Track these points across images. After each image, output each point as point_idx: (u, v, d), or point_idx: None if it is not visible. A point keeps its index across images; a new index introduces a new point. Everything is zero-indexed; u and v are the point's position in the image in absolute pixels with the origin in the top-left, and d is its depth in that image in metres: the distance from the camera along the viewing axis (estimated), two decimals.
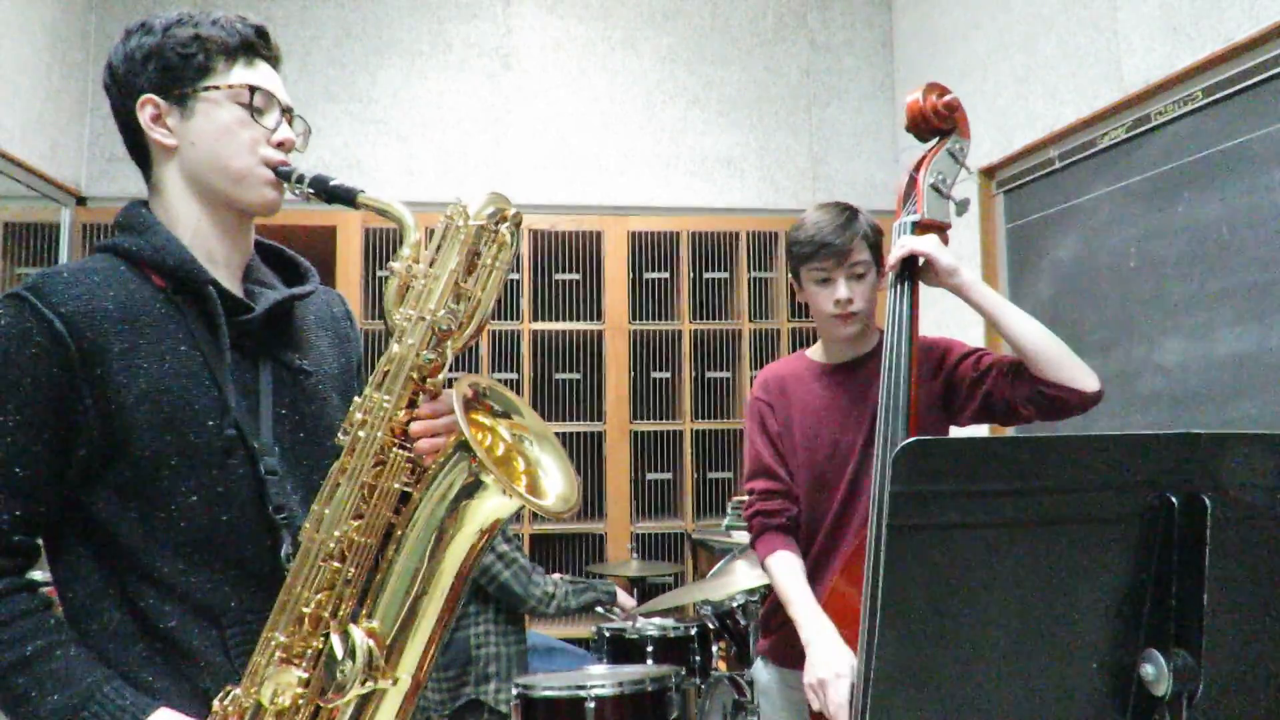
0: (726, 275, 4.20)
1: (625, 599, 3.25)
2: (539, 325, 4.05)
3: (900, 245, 1.68)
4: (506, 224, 1.18)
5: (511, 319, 4.04)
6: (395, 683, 1.12)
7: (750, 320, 4.13)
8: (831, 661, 1.59)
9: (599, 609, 3.17)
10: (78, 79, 3.79)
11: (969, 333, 3.61)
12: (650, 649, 2.91)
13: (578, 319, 4.08)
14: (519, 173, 4.09)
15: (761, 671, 1.94)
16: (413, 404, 1.15)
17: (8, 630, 1.06)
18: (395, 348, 1.14)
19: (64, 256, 3.73)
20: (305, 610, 1.11)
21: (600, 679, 2.53)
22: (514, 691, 2.50)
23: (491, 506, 1.12)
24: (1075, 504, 0.93)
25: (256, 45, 1.23)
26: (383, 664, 1.11)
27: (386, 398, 1.13)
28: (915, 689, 0.91)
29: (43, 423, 1.08)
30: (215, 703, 1.11)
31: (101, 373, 1.09)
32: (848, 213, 1.80)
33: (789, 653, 1.80)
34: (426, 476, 1.15)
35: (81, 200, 3.82)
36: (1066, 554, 0.93)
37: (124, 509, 1.11)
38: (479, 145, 4.07)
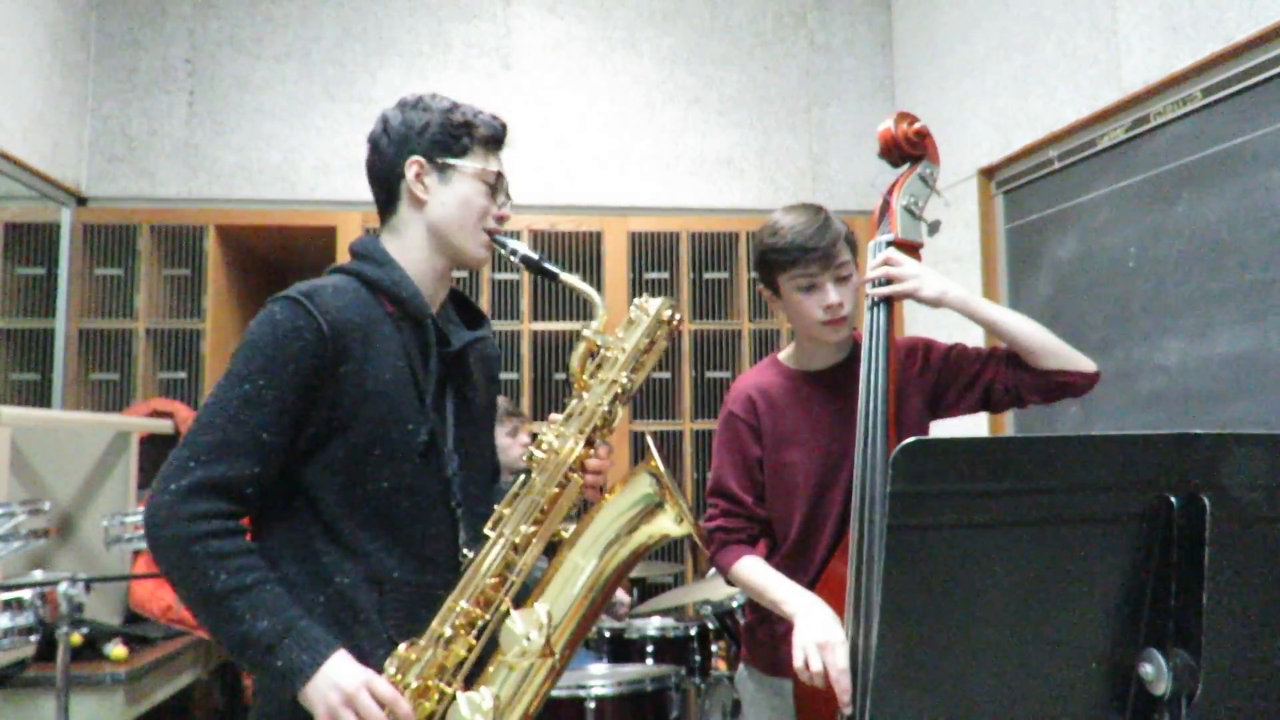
0: (726, 275, 4.21)
1: (620, 594, 3.26)
2: (539, 325, 4.05)
3: (881, 269, 1.71)
4: (675, 321, 1.53)
5: (511, 319, 4.04)
6: (553, 658, 1.37)
7: (750, 320, 4.13)
8: (829, 626, 1.56)
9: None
10: (78, 79, 3.79)
11: (969, 332, 3.62)
12: (650, 649, 2.92)
13: (578, 319, 4.08)
14: (519, 173, 4.06)
15: (746, 680, 1.92)
16: (589, 443, 1.46)
17: (236, 560, 1.29)
18: (587, 399, 1.47)
19: (64, 256, 3.73)
20: (482, 591, 1.37)
21: (600, 679, 2.53)
22: None
23: (660, 526, 1.44)
24: (1075, 504, 0.93)
25: (502, 140, 1.55)
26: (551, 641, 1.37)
27: (578, 436, 1.44)
28: (915, 689, 0.91)
29: (292, 401, 1.33)
30: (400, 649, 1.34)
31: (343, 370, 1.36)
32: (822, 214, 1.76)
33: (772, 661, 1.79)
34: (609, 494, 1.46)
35: (82, 200, 3.82)
36: (1066, 554, 0.93)
37: (330, 481, 1.37)
38: None
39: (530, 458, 1.44)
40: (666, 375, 4.13)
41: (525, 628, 1.33)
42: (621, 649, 2.98)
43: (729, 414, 1.86)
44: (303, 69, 3.98)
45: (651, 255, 4.15)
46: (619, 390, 1.46)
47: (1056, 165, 3.18)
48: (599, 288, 4.04)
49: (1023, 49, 3.35)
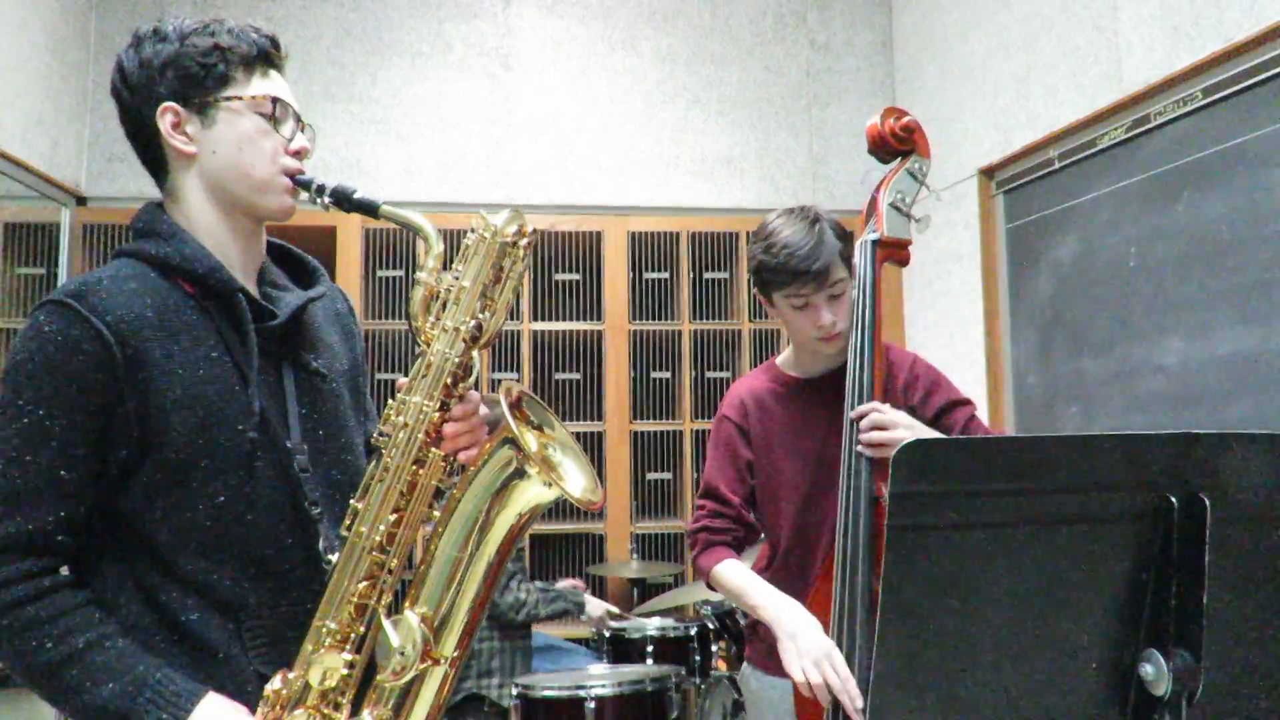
0: (726, 275, 4.20)
1: (594, 608, 3.24)
2: (539, 325, 4.05)
3: (871, 441, 1.64)
4: (525, 239, 1.25)
5: (511, 319, 4.03)
6: (442, 663, 1.21)
7: (750, 320, 4.13)
8: (817, 635, 1.57)
9: (573, 614, 3.18)
10: (78, 79, 3.79)
11: (969, 331, 3.62)
12: (650, 649, 2.92)
13: (578, 319, 4.08)
14: (519, 173, 4.09)
15: (750, 679, 1.93)
16: (444, 406, 1.22)
17: (57, 625, 1.09)
18: (430, 355, 1.21)
19: (64, 256, 3.73)
20: (352, 600, 1.18)
21: (600, 679, 2.53)
22: (514, 691, 2.51)
23: (530, 495, 1.23)
24: (1075, 504, 0.93)
25: (272, 55, 1.26)
26: (434, 647, 1.20)
27: (427, 402, 1.20)
28: (915, 689, 0.91)
29: (88, 428, 1.11)
30: (267, 687, 1.16)
31: (143, 378, 1.13)
32: (817, 227, 1.72)
33: (774, 660, 1.79)
34: (469, 472, 1.23)
35: (81, 200, 3.81)
36: (1066, 554, 0.93)
37: (151, 507, 1.15)
38: (479, 145, 4.07)
39: (377, 436, 1.23)
40: (666, 375, 4.13)
41: (400, 640, 1.17)
42: (621, 649, 2.98)
43: (721, 417, 1.88)
44: (302, 69, 3.98)
45: (651, 255, 4.15)
46: (467, 335, 1.21)
47: (1056, 165, 3.17)
48: (598, 288, 4.04)
49: (1023, 49, 3.35)
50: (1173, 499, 0.92)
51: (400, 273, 3.97)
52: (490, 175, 4.06)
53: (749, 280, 4.05)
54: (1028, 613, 0.93)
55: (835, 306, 1.73)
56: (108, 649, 1.10)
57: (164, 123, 1.21)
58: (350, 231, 3.86)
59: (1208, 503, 0.91)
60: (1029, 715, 0.94)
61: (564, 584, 3.26)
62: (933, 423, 1.76)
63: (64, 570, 1.16)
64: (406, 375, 1.23)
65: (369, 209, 1.21)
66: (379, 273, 3.95)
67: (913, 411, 1.75)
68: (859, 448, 1.65)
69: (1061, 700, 0.94)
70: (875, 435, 1.62)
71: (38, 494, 1.10)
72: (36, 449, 1.09)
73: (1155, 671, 0.92)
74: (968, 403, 1.80)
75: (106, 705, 1.08)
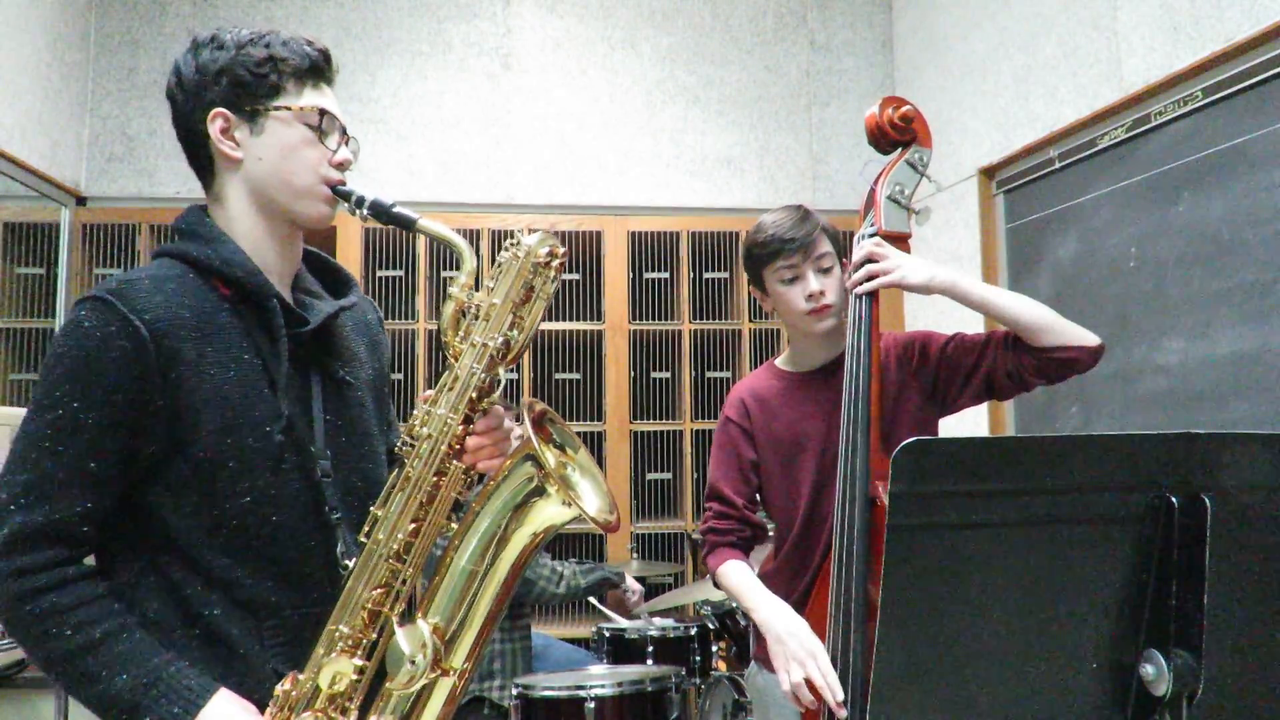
0: (726, 275, 4.20)
1: (633, 581, 3.30)
2: (539, 325, 4.04)
3: (865, 266, 1.69)
4: (556, 260, 1.31)
5: None
6: (451, 674, 1.22)
7: (750, 320, 4.13)
8: (804, 637, 1.59)
9: (602, 599, 3.19)
10: (78, 79, 3.79)
11: (969, 322, 3.61)
12: (650, 649, 2.91)
13: (578, 319, 4.08)
14: (519, 173, 4.09)
15: (757, 676, 1.93)
16: (468, 420, 1.25)
17: (76, 614, 1.12)
18: (457, 369, 1.25)
19: (64, 256, 3.73)
20: (365, 606, 1.20)
21: (600, 679, 2.53)
22: (514, 691, 2.51)
23: (548, 514, 1.25)
24: (1075, 504, 0.93)
25: (323, 69, 1.31)
26: (444, 658, 1.22)
27: (451, 415, 1.23)
28: (915, 689, 0.91)
29: (118, 422, 1.14)
30: (278, 688, 1.18)
31: (175, 377, 1.16)
32: (802, 209, 1.82)
33: None
34: (488, 486, 1.25)
35: (81, 200, 3.82)
36: (1066, 554, 0.93)
37: (179, 504, 1.18)
38: (479, 145, 4.07)
39: (400, 445, 1.26)
40: (666, 375, 4.13)
41: (411, 649, 1.19)
42: (621, 649, 2.98)
43: (724, 419, 1.89)
44: None
45: (651, 255, 4.15)
46: (493, 352, 1.24)
47: (1057, 165, 3.17)
48: (599, 288, 4.04)
49: (1023, 49, 3.35)
50: (1173, 499, 0.92)
51: (400, 273, 3.97)
52: (490, 175, 4.06)
53: (747, 282, 4.07)
54: (1028, 613, 0.93)
55: (824, 278, 1.77)
56: (125, 640, 1.13)
57: (213, 127, 1.24)
58: (350, 232, 3.86)
59: (1208, 503, 0.91)
60: (1029, 715, 0.94)
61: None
62: (940, 362, 1.77)
63: (88, 560, 1.18)
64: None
65: (406, 223, 1.25)
66: (379, 273, 3.95)
67: (919, 373, 1.78)
68: (854, 286, 1.69)
69: (1061, 700, 0.94)
70: (869, 266, 1.69)
71: (66, 485, 1.12)
72: (68, 441, 1.12)
73: (1155, 671, 0.92)
74: (953, 335, 1.81)
75: (120, 695, 1.10)
